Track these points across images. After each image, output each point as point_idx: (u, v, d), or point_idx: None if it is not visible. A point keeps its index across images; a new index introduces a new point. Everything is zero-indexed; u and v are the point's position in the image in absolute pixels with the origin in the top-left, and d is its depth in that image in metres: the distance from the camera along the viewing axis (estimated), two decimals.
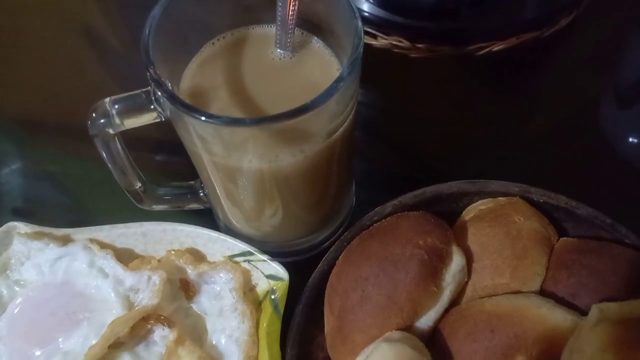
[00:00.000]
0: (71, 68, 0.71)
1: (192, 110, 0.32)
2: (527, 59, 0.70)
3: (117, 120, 0.36)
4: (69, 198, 0.58)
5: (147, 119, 0.37)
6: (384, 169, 0.61)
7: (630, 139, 0.70)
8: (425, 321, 0.42)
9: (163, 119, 0.37)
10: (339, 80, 0.32)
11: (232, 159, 0.36)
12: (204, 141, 0.35)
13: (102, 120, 0.36)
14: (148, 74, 0.34)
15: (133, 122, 0.37)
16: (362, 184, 0.58)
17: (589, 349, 0.35)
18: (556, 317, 0.39)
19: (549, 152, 0.65)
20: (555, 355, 0.38)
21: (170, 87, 0.36)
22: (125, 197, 0.49)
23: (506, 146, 0.65)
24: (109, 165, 0.42)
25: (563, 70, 0.71)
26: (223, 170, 0.38)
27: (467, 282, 0.44)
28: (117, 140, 0.39)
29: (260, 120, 0.32)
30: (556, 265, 0.44)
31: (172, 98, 0.32)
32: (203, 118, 0.31)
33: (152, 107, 0.36)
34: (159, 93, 0.33)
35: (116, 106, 0.36)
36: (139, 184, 0.45)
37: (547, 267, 0.44)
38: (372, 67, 0.67)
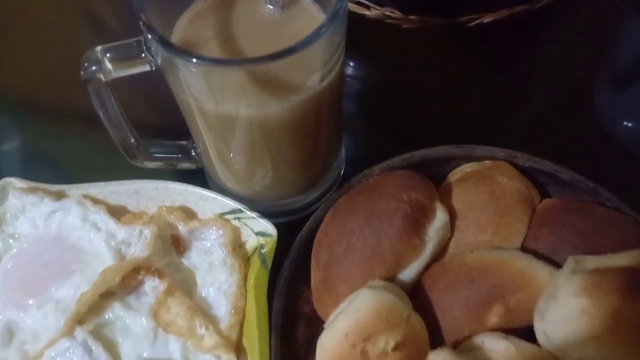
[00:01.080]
0: (70, 47, 0.72)
1: (182, 52, 0.33)
2: (519, 33, 0.70)
3: (109, 67, 0.37)
4: (63, 158, 0.59)
5: (138, 67, 0.38)
6: (374, 136, 0.62)
7: (625, 122, 0.71)
8: (408, 274, 0.43)
9: (154, 68, 0.38)
10: (321, 26, 0.33)
11: (220, 106, 0.37)
12: (193, 88, 0.36)
13: (93, 67, 0.37)
14: (140, 20, 0.34)
15: (124, 71, 0.38)
16: (352, 150, 0.59)
17: (563, 295, 0.36)
18: (534, 269, 0.40)
19: (540, 126, 0.66)
20: (532, 304, 0.39)
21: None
22: (119, 158, 0.51)
23: (495, 120, 0.66)
24: (101, 116, 0.42)
25: (556, 47, 0.72)
26: (212, 120, 0.39)
27: (450, 239, 0.45)
28: (109, 90, 0.40)
29: (246, 60, 0.33)
30: (538, 224, 0.45)
31: (163, 41, 0.33)
32: (194, 60, 0.32)
33: (143, 55, 0.37)
34: (150, 38, 0.34)
35: (108, 54, 0.37)
36: (132, 139, 0.46)
37: (529, 226, 0.46)
38: (364, 38, 0.68)
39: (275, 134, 0.41)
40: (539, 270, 0.40)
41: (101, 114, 0.42)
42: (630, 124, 0.71)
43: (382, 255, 0.41)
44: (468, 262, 0.42)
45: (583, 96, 0.69)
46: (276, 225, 0.48)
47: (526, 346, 0.36)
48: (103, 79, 0.38)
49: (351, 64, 0.67)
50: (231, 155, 0.45)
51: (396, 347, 0.36)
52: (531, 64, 0.72)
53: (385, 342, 0.36)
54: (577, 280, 0.36)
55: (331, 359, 0.37)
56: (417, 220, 0.42)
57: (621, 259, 0.39)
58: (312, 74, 0.36)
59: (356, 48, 0.59)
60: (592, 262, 0.39)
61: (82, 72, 0.38)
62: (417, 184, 0.44)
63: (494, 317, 0.39)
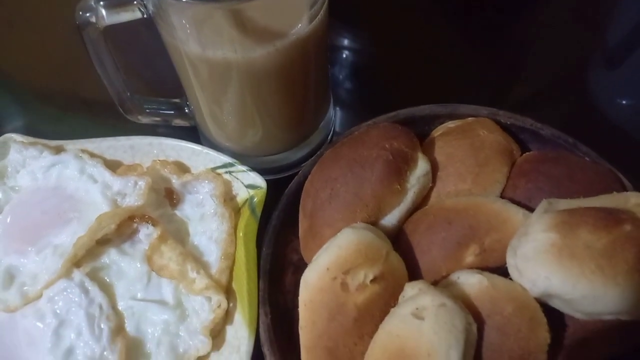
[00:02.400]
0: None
1: None
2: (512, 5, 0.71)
3: (102, 13, 0.39)
4: (62, 115, 0.61)
5: (130, 14, 0.39)
6: (363, 99, 0.64)
7: (618, 100, 0.72)
8: (390, 219, 0.45)
9: (145, 15, 0.39)
10: None
11: (207, 51, 0.38)
12: (181, 32, 0.38)
13: (88, 14, 0.39)
14: None
15: (117, 16, 0.40)
16: (341, 114, 0.61)
17: (534, 231, 0.38)
18: (509, 211, 0.42)
19: (532, 106, 0.67)
20: (506, 244, 0.40)
21: None
22: (116, 117, 0.52)
23: (488, 98, 0.67)
24: (97, 65, 0.44)
25: (550, 21, 0.73)
26: (200, 67, 0.41)
27: (431, 189, 0.47)
28: (103, 40, 0.42)
29: None
30: (516, 175, 0.47)
31: None
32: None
33: (134, 2, 0.39)
34: None
35: (101, 1, 0.39)
36: (127, 93, 0.48)
37: (508, 177, 0.47)
38: (350, 2, 0.69)
39: (263, 83, 0.42)
40: (514, 212, 0.42)
41: (96, 65, 0.44)
42: (624, 102, 0.72)
43: (364, 200, 0.43)
44: (446, 205, 0.44)
45: (575, 74, 0.70)
46: (266, 182, 0.50)
47: (498, 279, 0.38)
48: (97, 25, 0.40)
49: (339, 29, 0.69)
50: (221, 107, 0.47)
51: (374, 280, 0.38)
52: (523, 42, 0.73)
53: (365, 275, 0.38)
54: (548, 218, 0.38)
55: (313, 292, 0.39)
56: (398, 167, 0.44)
57: (591, 202, 0.40)
58: (297, 17, 0.38)
59: (343, 12, 0.61)
60: (564, 204, 0.40)
61: (76, 19, 0.40)
62: (399, 134, 0.46)
63: (469, 256, 0.41)
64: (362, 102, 0.64)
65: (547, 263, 0.36)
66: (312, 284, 0.39)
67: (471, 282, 0.38)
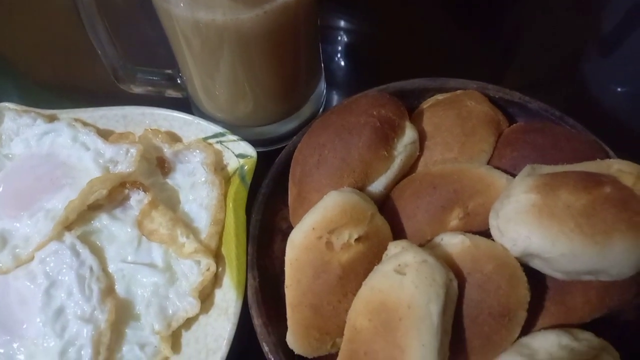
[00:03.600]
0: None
1: None
2: None
3: None
4: (56, 85, 0.61)
5: None
6: (355, 76, 0.65)
7: (612, 86, 0.72)
8: (376, 186, 0.45)
9: None
10: None
11: (197, 13, 0.39)
12: None
13: None
14: None
15: None
16: (332, 88, 0.61)
17: (515, 193, 0.38)
18: (493, 175, 0.43)
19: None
20: (489, 208, 0.41)
21: None
22: (109, 87, 0.53)
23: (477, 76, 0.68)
24: (89, 33, 0.45)
25: (544, 7, 0.73)
26: (191, 31, 0.42)
27: (419, 158, 0.48)
28: (95, 5, 0.43)
29: None
30: (502, 144, 0.48)
31: None
32: None
33: None
34: None
35: None
36: (119, 61, 0.49)
37: (495, 147, 0.48)
38: None
39: (252, 49, 0.43)
40: (497, 176, 0.42)
41: (89, 32, 0.45)
42: (619, 89, 0.72)
43: (351, 165, 0.44)
44: (432, 171, 0.45)
45: (570, 61, 0.70)
46: (257, 153, 0.51)
47: (480, 239, 0.38)
48: None
49: (332, 8, 0.69)
50: (212, 75, 0.48)
51: (359, 240, 0.39)
52: (517, 29, 0.73)
53: (349, 235, 0.39)
54: (530, 180, 0.39)
55: (299, 251, 0.39)
56: (385, 134, 0.45)
57: (574, 168, 0.41)
58: None
59: None
60: (547, 169, 0.41)
61: None
62: (387, 102, 0.46)
63: (454, 220, 0.42)
64: (354, 79, 0.65)
65: (527, 222, 0.37)
66: (297, 243, 0.40)
67: (454, 242, 0.38)
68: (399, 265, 0.36)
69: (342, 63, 0.66)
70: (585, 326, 0.40)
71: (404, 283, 0.34)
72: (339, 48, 0.67)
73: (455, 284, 0.36)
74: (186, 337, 0.45)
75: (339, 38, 0.67)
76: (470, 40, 0.71)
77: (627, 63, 0.74)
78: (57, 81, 0.64)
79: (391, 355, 0.33)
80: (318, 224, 0.39)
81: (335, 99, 0.61)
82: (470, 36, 0.72)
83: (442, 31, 0.71)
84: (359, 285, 0.38)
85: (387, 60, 0.67)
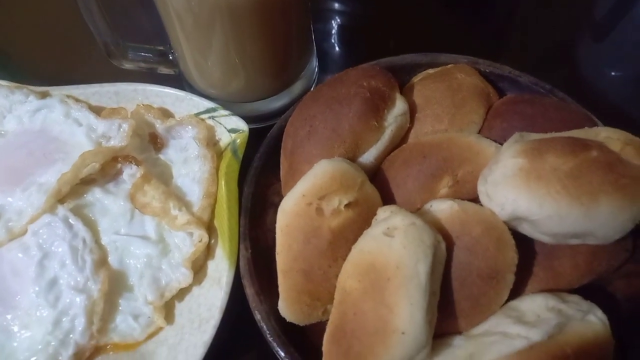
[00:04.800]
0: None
1: None
2: None
3: None
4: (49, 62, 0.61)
5: None
6: (347, 54, 0.65)
7: (606, 70, 0.72)
8: (367, 157, 0.46)
9: None
10: None
11: None
12: None
13: None
14: None
15: None
16: (324, 65, 0.62)
17: (503, 158, 0.39)
18: (482, 143, 0.43)
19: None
20: (478, 176, 0.41)
21: None
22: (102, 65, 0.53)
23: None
24: (80, 6, 0.45)
25: None
26: (183, 7, 0.42)
27: (409, 130, 0.48)
28: None
29: None
30: (492, 116, 0.48)
31: None
32: None
33: None
34: None
35: None
36: (110, 36, 0.49)
37: (485, 119, 0.48)
38: None
39: (244, 24, 0.43)
40: (486, 144, 0.43)
41: (81, 7, 0.45)
42: (613, 73, 0.73)
43: (342, 136, 0.44)
44: (422, 141, 0.45)
45: (564, 45, 0.71)
46: (250, 130, 0.51)
47: (469, 204, 0.39)
48: None
49: None
50: (203, 50, 0.48)
51: (349, 206, 0.39)
52: (512, 13, 0.73)
53: (339, 201, 0.39)
54: (518, 145, 0.39)
55: (290, 217, 0.40)
56: (376, 105, 0.45)
57: (561, 136, 0.41)
58: None
59: None
60: (535, 136, 0.41)
61: None
62: (377, 74, 0.47)
63: (443, 188, 0.42)
64: (346, 57, 0.66)
65: (515, 186, 0.37)
66: (288, 210, 0.40)
67: (442, 207, 0.39)
68: (388, 228, 0.36)
69: (334, 41, 0.66)
70: (574, 293, 0.41)
71: (392, 244, 0.35)
72: (332, 27, 0.67)
73: (443, 245, 0.36)
74: (179, 307, 0.46)
75: (331, 17, 0.68)
76: (463, 24, 0.72)
77: (620, 47, 0.74)
78: (50, 58, 0.64)
79: (380, 315, 0.34)
80: (308, 190, 0.40)
81: (327, 77, 0.61)
82: (463, 20, 0.72)
83: (434, 14, 0.71)
84: (349, 250, 0.38)
85: (379, 41, 0.67)
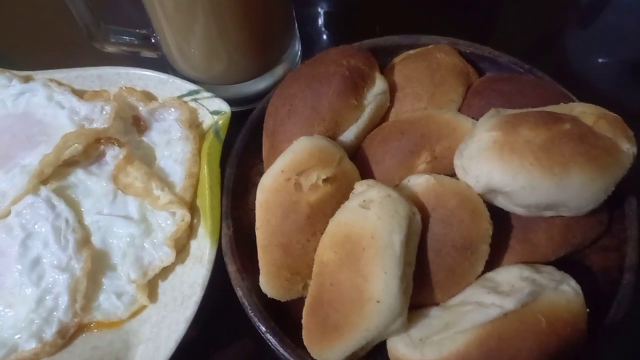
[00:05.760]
0: None
1: None
2: None
3: None
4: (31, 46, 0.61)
5: None
6: (330, 38, 0.65)
7: (593, 58, 0.73)
8: (347, 135, 0.46)
9: None
10: None
11: None
12: None
13: None
14: None
15: None
16: (307, 49, 0.62)
17: (478, 132, 0.39)
18: (459, 120, 0.44)
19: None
20: (455, 150, 0.42)
21: None
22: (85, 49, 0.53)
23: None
24: None
25: None
26: None
27: (389, 109, 0.48)
28: None
29: None
30: (471, 95, 0.49)
31: None
32: None
33: None
34: None
35: None
36: (91, 18, 0.49)
37: (465, 97, 0.49)
38: None
39: (225, 5, 0.44)
40: (463, 120, 0.43)
41: None
42: (599, 60, 0.73)
43: (322, 114, 0.45)
44: (400, 119, 0.46)
45: (550, 33, 0.71)
46: (231, 111, 0.51)
47: (445, 178, 0.39)
48: None
49: None
50: (185, 33, 0.48)
51: (327, 181, 0.40)
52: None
53: (317, 176, 0.40)
54: (493, 120, 0.40)
55: (268, 193, 0.40)
56: (355, 83, 0.45)
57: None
58: None
59: None
60: (510, 112, 0.42)
61: None
62: (356, 53, 0.47)
63: (421, 164, 0.43)
64: (329, 41, 0.66)
65: (489, 158, 0.38)
66: (267, 186, 0.40)
67: (419, 181, 0.39)
68: (364, 200, 0.37)
69: (319, 26, 0.66)
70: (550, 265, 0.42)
71: (367, 216, 0.35)
72: (316, 12, 0.67)
73: (418, 217, 0.37)
74: (162, 286, 0.46)
75: (316, 2, 0.68)
76: (450, 11, 0.72)
77: (605, 35, 0.75)
78: (33, 43, 0.64)
79: (355, 284, 0.34)
80: (287, 166, 0.40)
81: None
82: (450, 8, 0.72)
83: (421, 1, 0.71)
84: (327, 225, 0.39)
85: (364, 26, 0.68)
